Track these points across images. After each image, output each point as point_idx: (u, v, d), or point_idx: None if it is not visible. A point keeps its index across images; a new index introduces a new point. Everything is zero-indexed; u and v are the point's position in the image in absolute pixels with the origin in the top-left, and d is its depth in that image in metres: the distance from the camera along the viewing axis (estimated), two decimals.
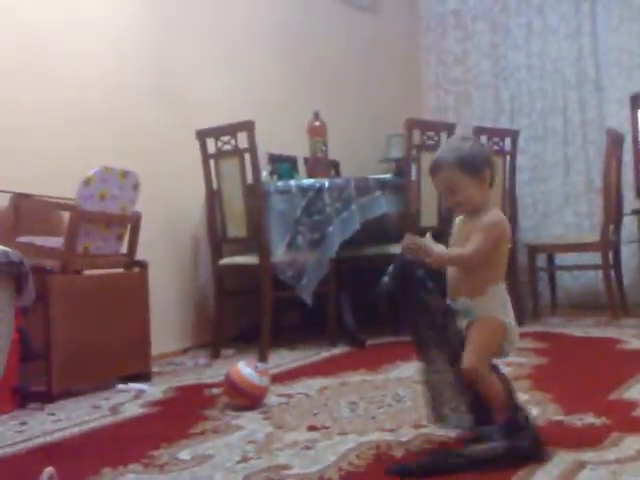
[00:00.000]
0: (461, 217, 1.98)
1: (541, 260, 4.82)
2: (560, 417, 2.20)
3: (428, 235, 1.90)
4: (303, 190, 3.77)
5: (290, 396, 2.71)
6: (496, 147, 4.33)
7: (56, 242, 3.01)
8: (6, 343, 1.90)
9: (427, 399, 1.95)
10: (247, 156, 3.61)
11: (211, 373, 3.28)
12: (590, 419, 2.15)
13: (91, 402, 2.81)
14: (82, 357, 2.93)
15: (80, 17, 3.57)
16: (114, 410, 2.66)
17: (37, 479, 1.73)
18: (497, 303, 1.89)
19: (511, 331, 1.90)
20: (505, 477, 1.72)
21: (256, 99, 4.42)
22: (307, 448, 2.04)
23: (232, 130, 3.66)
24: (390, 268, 1.99)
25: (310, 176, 4.09)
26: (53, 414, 2.64)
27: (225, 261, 3.82)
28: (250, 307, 3.93)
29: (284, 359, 3.55)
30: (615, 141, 4.46)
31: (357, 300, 4.13)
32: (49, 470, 1.76)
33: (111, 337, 3.06)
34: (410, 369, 3.11)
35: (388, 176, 4.36)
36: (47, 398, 2.80)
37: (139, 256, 3.29)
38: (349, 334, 3.91)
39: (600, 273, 4.54)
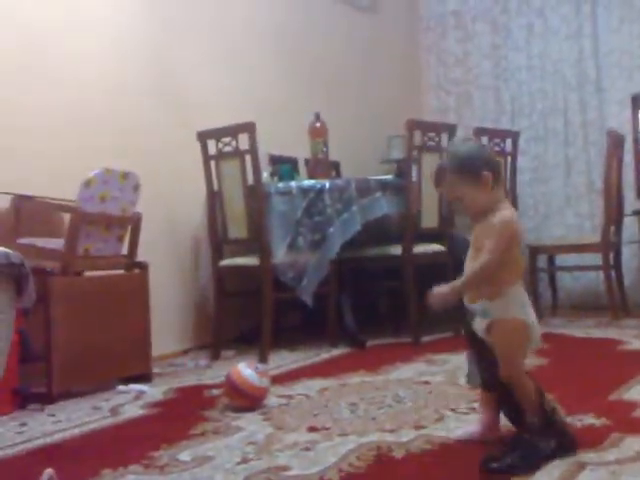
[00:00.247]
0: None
1: (542, 261, 4.82)
2: None
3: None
4: (304, 191, 3.77)
5: (290, 397, 2.71)
6: (497, 148, 4.34)
7: (57, 244, 3.01)
8: (6, 344, 1.90)
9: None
10: (248, 157, 3.61)
11: (211, 374, 3.28)
12: (590, 420, 2.15)
13: (91, 403, 2.81)
14: (82, 358, 2.93)
15: (80, 17, 3.58)
16: (114, 411, 2.66)
17: None
18: (516, 304, 1.88)
19: (533, 331, 1.89)
20: (505, 478, 1.72)
21: (256, 99, 4.43)
22: (307, 449, 2.03)
23: (233, 131, 3.67)
24: None
25: (311, 177, 4.09)
26: (53, 415, 2.64)
27: (226, 262, 3.82)
28: (250, 308, 3.93)
29: (284, 360, 3.55)
30: (616, 142, 4.46)
31: (358, 301, 4.14)
32: (49, 471, 1.75)
33: (111, 338, 3.06)
34: (410, 370, 3.11)
35: (389, 177, 4.36)
36: (47, 399, 2.80)
37: (139, 257, 3.29)
38: (349, 335, 3.91)
39: (601, 274, 4.54)
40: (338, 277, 3.88)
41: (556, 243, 4.76)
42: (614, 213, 4.48)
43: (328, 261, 3.73)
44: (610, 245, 4.44)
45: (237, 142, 3.66)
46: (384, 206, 3.92)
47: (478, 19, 5.66)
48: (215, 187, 3.81)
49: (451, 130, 4.10)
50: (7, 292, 1.85)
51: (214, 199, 3.82)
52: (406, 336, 3.92)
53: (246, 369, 2.57)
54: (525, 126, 5.35)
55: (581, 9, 5.23)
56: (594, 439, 1.95)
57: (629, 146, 4.84)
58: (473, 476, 1.76)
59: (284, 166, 4.23)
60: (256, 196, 3.63)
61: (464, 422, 2.19)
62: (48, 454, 2.17)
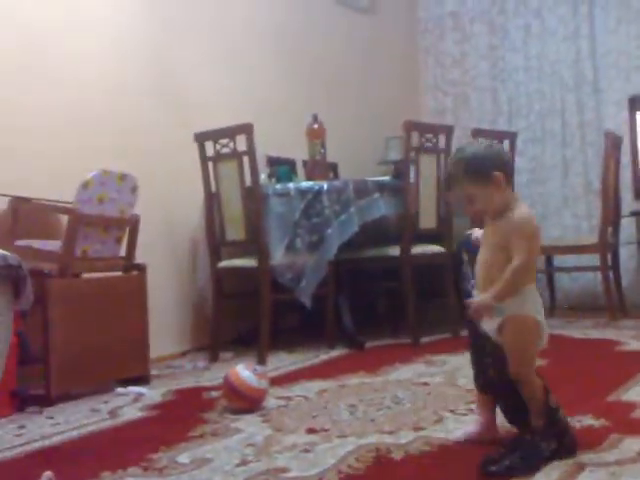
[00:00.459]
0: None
1: (540, 262, 4.82)
2: None
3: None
4: (302, 193, 3.77)
5: (289, 399, 2.71)
6: None
7: (54, 245, 3.00)
8: (5, 347, 1.90)
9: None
10: (246, 159, 3.61)
11: (210, 376, 3.28)
12: (589, 421, 2.15)
13: (90, 405, 2.80)
14: (81, 360, 2.93)
15: (80, 17, 3.58)
16: (113, 413, 2.66)
17: None
18: (531, 302, 1.89)
19: (543, 330, 1.90)
20: (503, 479, 1.72)
21: (255, 100, 4.43)
22: (306, 451, 2.03)
23: (231, 133, 3.66)
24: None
25: (309, 178, 4.09)
26: (52, 418, 2.63)
27: (224, 264, 3.82)
28: (249, 310, 3.92)
29: (283, 362, 3.54)
30: (613, 143, 4.46)
31: (356, 302, 4.13)
32: (48, 474, 1.75)
33: (110, 340, 3.05)
34: (409, 371, 3.11)
35: (387, 178, 4.36)
36: (46, 402, 2.80)
37: (137, 259, 3.29)
38: (348, 336, 3.91)
39: (599, 275, 4.54)
40: (336, 278, 3.87)
41: (554, 244, 4.76)
42: (611, 214, 4.48)
43: (326, 262, 3.73)
44: (608, 246, 4.44)
45: (235, 143, 3.66)
46: (382, 207, 3.92)
47: (476, 20, 5.66)
48: (213, 189, 3.80)
49: (448, 131, 4.11)
50: (5, 294, 1.85)
51: (212, 201, 3.81)
52: (405, 337, 3.92)
53: (244, 371, 2.57)
54: (522, 127, 5.35)
55: (578, 10, 5.23)
56: (593, 440, 1.95)
57: (626, 147, 4.84)
58: (472, 478, 1.76)
59: (282, 167, 4.23)
60: (254, 198, 3.62)
61: (463, 423, 2.19)
62: (47, 457, 2.17)
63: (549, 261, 4.86)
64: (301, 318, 4.48)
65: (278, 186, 3.87)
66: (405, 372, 3.10)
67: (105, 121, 3.62)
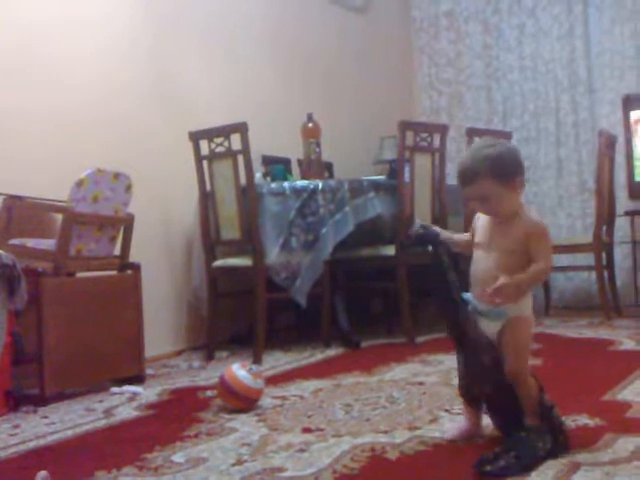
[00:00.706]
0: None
1: None
2: None
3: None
4: (297, 192, 3.77)
5: (284, 398, 2.71)
6: None
7: (48, 244, 2.99)
8: None
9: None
10: (240, 158, 3.61)
11: (205, 375, 3.28)
12: (584, 420, 2.15)
13: (85, 405, 2.80)
14: (75, 360, 2.92)
15: (79, 17, 3.57)
16: (108, 413, 2.66)
17: None
18: (529, 302, 1.91)
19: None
20: (500, 479, 1.73)
21: (250, 99, 4.43)
22: (301, 450, 2.03)
23: (225, 132, 3.66)
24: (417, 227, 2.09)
25: (304, 178, 4.09)
26: (46, 417, 2.63)
27: (219, 263, 3.81)
28: (244, 309, 3.92)
29: (278, 361, 3.54)
30: (608, 142, 4.47)
31: (351, 302, 4.14)
32: (43, 474, 1.75)
33: (104, 339, 3.05)
34: (404, 371, 3.11)
35: (381, 178, 4.36)
36: (40, 401, 2.79)
37: (132, 258, 3.29)
38: (343, 336, 3.91)
39: (593, 274, 4.55)
40: (331, 278, 3.88)
41: None
42: (606, 213, 4.49)
43: (321, 262, 3.73)
44: (602, 245, 4.45)
45: (229, 142, 3.65)
46: (377, 206, 3.92)
47: (470, 20, 5.67)
48: (208, 188, 3.80)
49: (443, 131, 4.11)
50: None
51: (207, 200, 3.81)
52: (400, 336, 3.93)
53: (240, 370, 2.57)
54: (517, 126, 5.37)
55: (573, 10, 5.25)
56: (588, 439, 1.95)
57: (621, 146, 4.85)
58: (467, 477, 1.76)
59: (277, 167, 4.23)
60: (249, 197, 3.62)
61: (456, 422, 2.19)
62: (41, 456, 2.16)
63: None
64: (296, 317, 4.49)
65: (273, 185, 3.86)
66: (400, 371, 3.10)
67: (100, 120, 3.62)
